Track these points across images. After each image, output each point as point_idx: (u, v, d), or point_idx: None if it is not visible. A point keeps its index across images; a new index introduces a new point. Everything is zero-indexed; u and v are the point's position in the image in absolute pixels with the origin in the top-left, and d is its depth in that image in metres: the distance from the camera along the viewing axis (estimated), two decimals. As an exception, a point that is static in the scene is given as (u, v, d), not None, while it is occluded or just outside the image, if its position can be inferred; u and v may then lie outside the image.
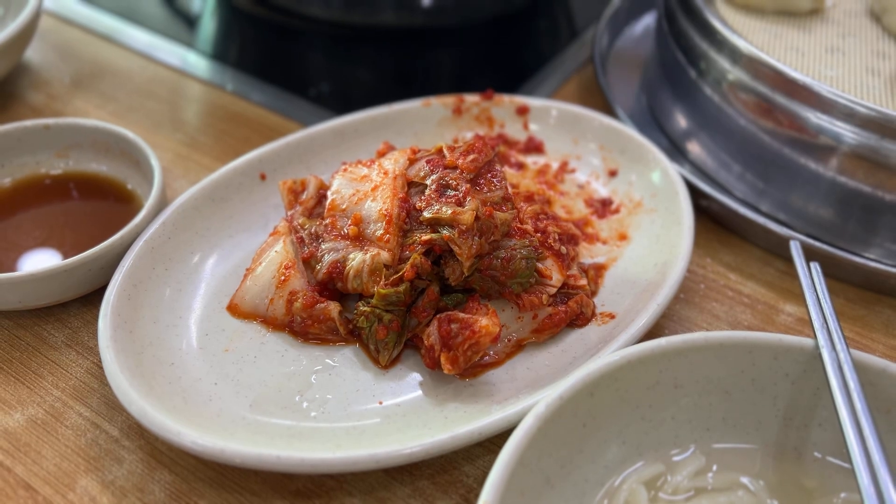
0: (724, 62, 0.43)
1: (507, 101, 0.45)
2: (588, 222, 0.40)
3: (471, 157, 0.35)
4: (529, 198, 0.40)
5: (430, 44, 0.56)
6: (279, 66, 0.53)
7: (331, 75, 0.53)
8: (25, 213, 0.39)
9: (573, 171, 0.44)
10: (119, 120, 0.47)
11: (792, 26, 0.45)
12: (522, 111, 0.45)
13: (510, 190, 0.35)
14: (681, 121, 0.48)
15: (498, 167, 0.36)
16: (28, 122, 0.39)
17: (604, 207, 0.41)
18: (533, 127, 0.45)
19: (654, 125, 0.50)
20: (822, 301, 0.32)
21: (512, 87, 0.52)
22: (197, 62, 0.52)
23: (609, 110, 0.47)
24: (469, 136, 0.44)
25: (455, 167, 0.35)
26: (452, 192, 0.34)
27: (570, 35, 0.59)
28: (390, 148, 0.39)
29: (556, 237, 0.36)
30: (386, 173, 0.36)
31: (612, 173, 0.43)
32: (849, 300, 0.39)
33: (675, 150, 0.48)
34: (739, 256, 0.41)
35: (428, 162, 0.35)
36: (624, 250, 0.38)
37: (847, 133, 0.39)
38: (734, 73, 0.42)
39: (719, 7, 0.46)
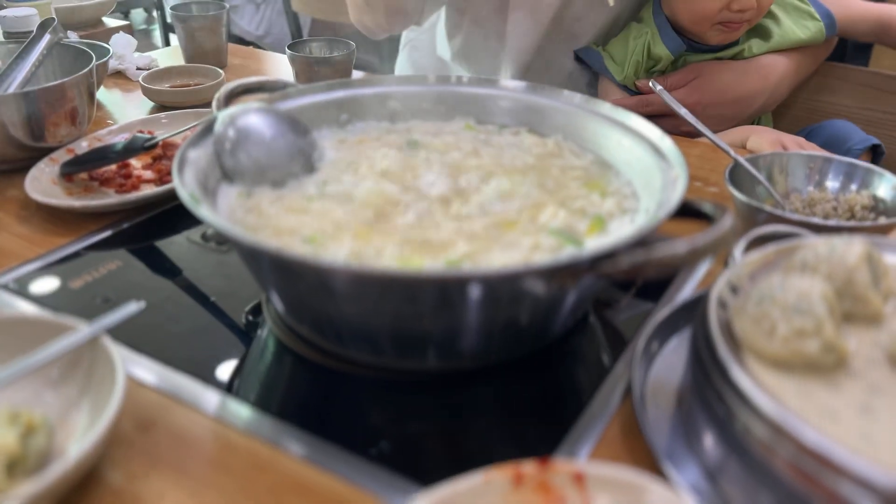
0: (761, 429, 0.46)
1: (564, 470, 0.48)
2: None
3: (548, 575, 0.37)
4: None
5: (476, 382, 0.60)
6: (338, 421, 0.56)
7: (387, 429, 0.56)
8: None
9: (635, 540, 0.45)
10: (195, 500, 0.49)
11: (820, 383, 0.49)
12: (579, 478, 0.48)
13: None
14: (717, 460, 0.50)
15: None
16: (120, 535, 0.42)
17: (671, 586, 0.43)
18: (591, 494, 0.47)
19: (691, 453, 0.53)
20: None
21: (557, 423, 0.56)
22: (259, 420, 0.56)
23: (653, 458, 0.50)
24: (531, 507, 0.47)
25: (534, 586, 0.36)
26: None
27: (608, 361, 0.63)
28: (463, 546, 0.41)
29: None
30: (467, 591, 0.37)
31: (674, 544, 0.45)
32: None
33: (712, 485, 0.50)
34: None
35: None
36: None
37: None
38: (772, 441, 0.45)
39: (750, 365, 0.50)
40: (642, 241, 0.53)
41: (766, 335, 0.50)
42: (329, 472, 0.52)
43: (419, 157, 0.73)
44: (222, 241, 0.79)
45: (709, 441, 0.52)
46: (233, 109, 0.70)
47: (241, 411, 0.57)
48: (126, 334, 0.64)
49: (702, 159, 0.99)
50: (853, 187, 0.80)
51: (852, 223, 0.73)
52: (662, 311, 0.64)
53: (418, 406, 0.59)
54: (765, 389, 0.47)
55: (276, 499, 0.49)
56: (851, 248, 0.55)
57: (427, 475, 0.50)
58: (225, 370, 0.62)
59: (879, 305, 0.54)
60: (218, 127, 0.68)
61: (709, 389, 0.51)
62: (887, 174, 0.79)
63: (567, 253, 0.58)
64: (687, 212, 0.59)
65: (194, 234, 0.81)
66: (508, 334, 0.58)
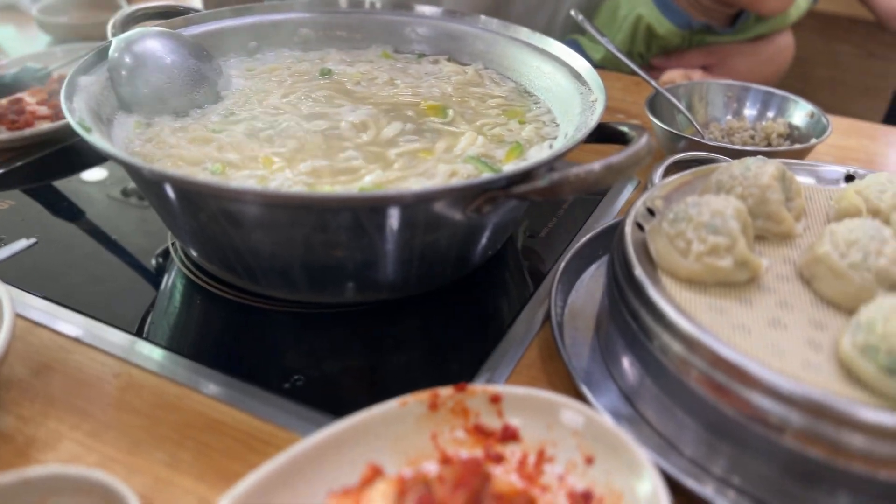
0: (676, 345, 0.46)
1: (480, 392, 0.47)
2: (574, 522, 0.41)
3: (460, 493, 0.36)
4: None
5: (395, 314, 0.59)
6: (251, 359, 0.54)
7: (302, 364, 0.54)
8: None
9: (551, 459, 0.45)
10: (96, 441, 0.47)
11: (733, 299, 0.49)
12: (496, 399, 0.47)
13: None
14: (635, 381, 0.51)
15: (487, 488, 0.37)
16: (7, 477, 0.39)
17: (586, 501, 0.43)
18: (507, 414, 0.47)
19: (609, 377, 0.53)
20: None
21: (479, 349, 0.55)
22: (169, 361, 0.53)
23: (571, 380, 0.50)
24: (447, 431, 0.46)
25: (445, 505, 0.36)
26: (446, 536, 0.34)
27: (528, 289, 0.62)
28: (375, 471, 0.40)
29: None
30: (377, 514, 0.36)
31: (589, 460, 0.44)
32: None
33: (630, 406, 0.51)
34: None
35: (421, 502, 0.36)
36: (614, 558, 0.39)
37: (795, 416, 0.41)
38: (686, 356, 0.45)
39: (665, 283, 0.50)
40: (559, 163, 0.52)
41: (680, 254, 0.50)
42: (240, 408, 0.50)
43: (332, 86, 0.70)
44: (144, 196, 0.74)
45: (625, 363, 0.52)
46: (129, 34, 0.65)
47: (148, 351, 0.54)
48: (20, 275, 0.60)
49: (624, 92, 0.98)
50: (770, 115, 0.81)
51: (768, 149, 0.74)
52: (582, 239, 0.63)
53: (335, 340, 0.57)
54: (679, 306, 0.47)
55: (183, 436, 0.47)
56: (764, 168, 0.55)
57: (343, 408, 0.49)
58: (129, 311, 0.58)
59: (791, 223, 0.55)
60: (112, 52, 0.63)
61: (625, 310, 0.51)
62: (801, 101, 0.80)
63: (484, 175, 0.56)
64: (606, 136, 0.58)
65: (114, 189, 0.75)
66: (427, 264, 0.56)
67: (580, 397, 0.50)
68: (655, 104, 0.81)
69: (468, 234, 0.57)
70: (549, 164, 0.52)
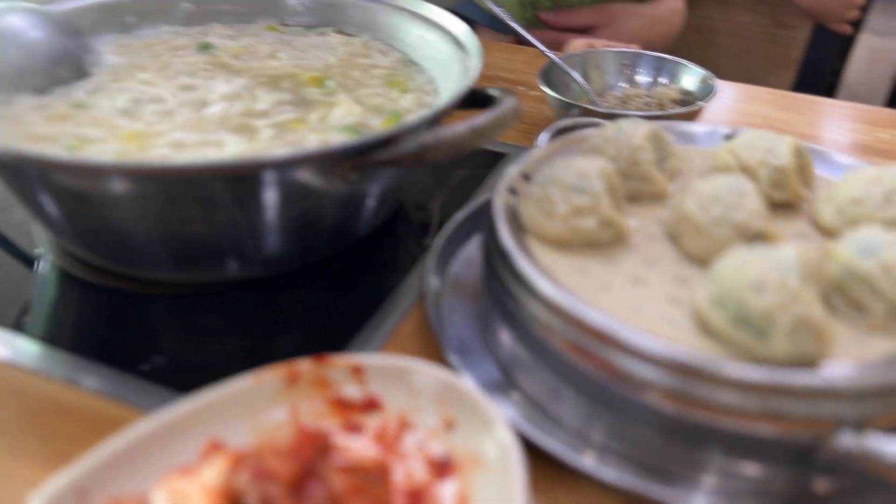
0: (539, 309, 0.45)
1: (341, 363, 0.46)
2: (426, 490, 0.40)
3: (292, 463, 0.35)
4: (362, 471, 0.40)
5: (272, 290, 0.57)
6: (109, 342, 0.52)
7: (166, 344, 0.52)
8: None
9: (413, 426, 0.44)
10: (-68, 433, 0.44)
11: (598, 259, 0.49)
12: (357, 370, 0.46)
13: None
14: (509, 351, 0.50)
15: (330, 459, 0.36)
16: None
17: (443, 467, 0.42)
18: (371, 384, 0.46)
19: (486, 348, 0.52)
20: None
21: (356, 322, 0.54)
22: (21, 346, 0.51)
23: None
24: (307, 404, 0.44)
25: (277, 476, 0.34)
26: (273, 508, 0.33)
27: (411, 260, 0.61)
28: (214, 447, 0.39)
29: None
30: (206, 490, 0.35)
31: (450, 425, 0.44)
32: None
33: (506, 377, 0.50)
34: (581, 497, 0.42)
35: (252, 474, 0.35)
36: (463, 522, 0.38)
37: (654, 373, 0.41)
38: (548, 319, 0.45)
39: (532, 248, 0.49)
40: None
41: (547, 216, 0.50)
42: (91, 392, 0.47)
43: (209, 60, 0.67)
44: None
45: (498, 331, 0.51)
46: (-14, 8, 0.62)
47: None
48: None
49: (526, 64, 0.98)
50: (663, 80, 0.81)
51: (659, 112, 0.74)
52: (465, 209, 0.62)
53: (206, 320, 0.55)
54: (542, 269, 0.47)
55: (28, 423, 0.45)
56: (636, 130, 0.55)
57: (203, 387, 0.47)
58: (-11, 298, 0.56)
59: (663, 184, 0.55)
60: (-35, 28, 0.60)
61: (493, 277, 0.50)
62: (694, 67, 0.80)
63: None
64: (479, 102, 0.57)
65: None
66: (301, 236, 0.55)
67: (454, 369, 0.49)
68: (552, 74, 0.80)
69: (343, 205, 0.55)
70: (415, 130, 0.50)
